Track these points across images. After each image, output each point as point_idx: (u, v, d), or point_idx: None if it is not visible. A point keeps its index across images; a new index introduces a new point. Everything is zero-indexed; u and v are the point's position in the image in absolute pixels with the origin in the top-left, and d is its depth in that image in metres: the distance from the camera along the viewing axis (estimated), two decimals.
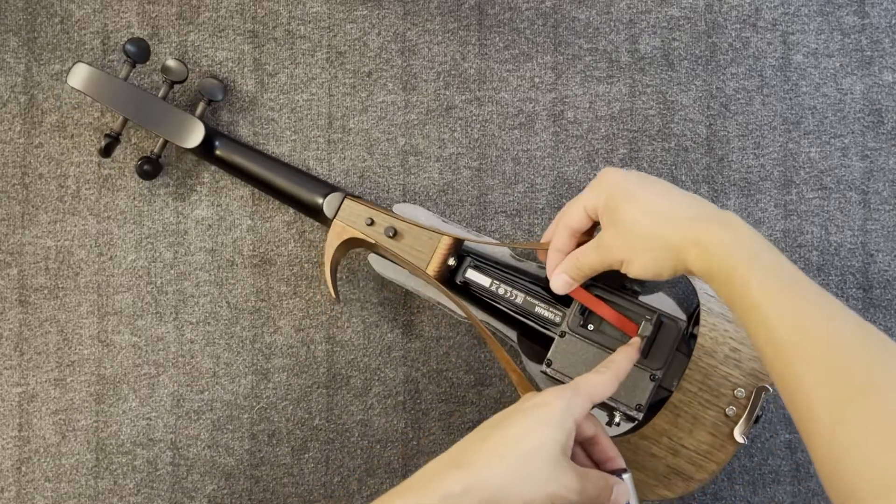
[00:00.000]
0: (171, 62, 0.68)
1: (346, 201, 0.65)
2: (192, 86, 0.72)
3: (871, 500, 0.39)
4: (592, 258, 0.54)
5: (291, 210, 0.71)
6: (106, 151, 0.68)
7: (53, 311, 0.71)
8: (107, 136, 0.68)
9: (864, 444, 0.40)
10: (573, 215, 0.55)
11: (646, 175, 0.54)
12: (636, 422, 0.58)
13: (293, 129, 0.72)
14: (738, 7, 0.72)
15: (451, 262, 0.63)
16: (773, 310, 0.45)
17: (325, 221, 0.66)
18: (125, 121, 0.68)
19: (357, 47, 0.72)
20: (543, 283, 0.62)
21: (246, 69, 0.72)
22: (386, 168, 0.71)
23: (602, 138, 0.71)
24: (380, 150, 0.71)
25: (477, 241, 0.64)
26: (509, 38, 0.72)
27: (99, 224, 0.71)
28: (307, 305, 0.71)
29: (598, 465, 0.53)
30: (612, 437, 0.58)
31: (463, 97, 0.72)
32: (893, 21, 0.72)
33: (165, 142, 0.68)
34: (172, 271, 0.71)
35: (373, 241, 0.64)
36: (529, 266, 0.65)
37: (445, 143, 0.71)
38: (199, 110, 0.68)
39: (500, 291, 0.63)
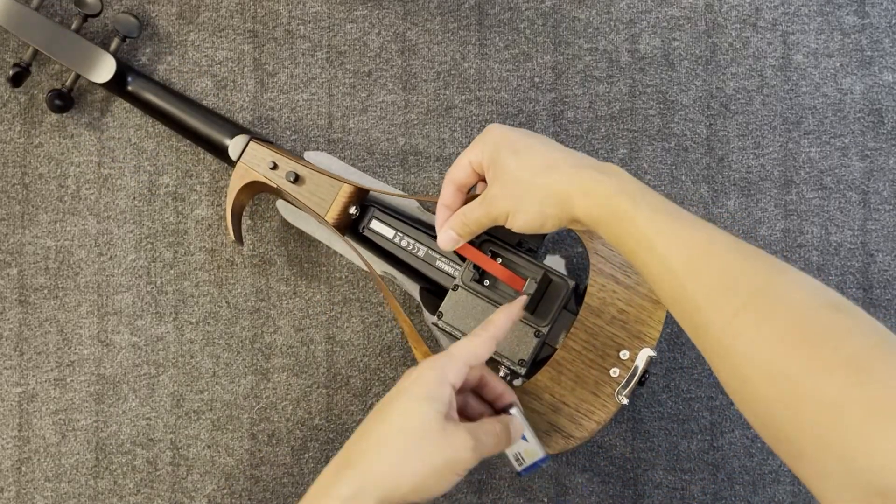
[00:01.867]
0: None
1: (252, 144, 0.65)
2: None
3: (768, 394, 0.41)
4: (478, 213, 0.54)
5: None
6: (15, 81, 0.68)
7: (53, 311, 0.71)
8: (15, 65, 0.68)
9: (756, 349, 0.41)
10: (459, 170, 0.55)
11: (530, 131, 0.55)
12: (519, 376, 0.59)
13: (293, 128, 0.72)
14: (738, 7, 0.72)
15: (353, 210, 0.63)
16: (663, 241, 0.47)
17: (232, 163, 0.66)
18: (35, 52, 0.68)
19: (357, 47, 0.72)
20: None
21: (246, 69, 0.72)
22: (386, 168, 0.71)
23: (602, 138, 0.71)
24: (380, 150, 0.71)
25: (379, 192, 0.64)
26: (509, 38, 0.72)
27: (99, 224, 0.71)
28: (307, 305, 0.71)
29: (490, 404, 0.55)
30: None
31: (463, 97, 0.72)
32: (893, 21, 0.72)
33: (77, 76, 0.68)
34: (172, 271, 0.71)
35: (275, 186, 0.64)
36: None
37: (445, 143, 0.71)
38: (113, 46, 0.68)
39: (403, 244, 0.63)
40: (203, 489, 0.70)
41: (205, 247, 0.71)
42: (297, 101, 0.72)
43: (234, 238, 0.65)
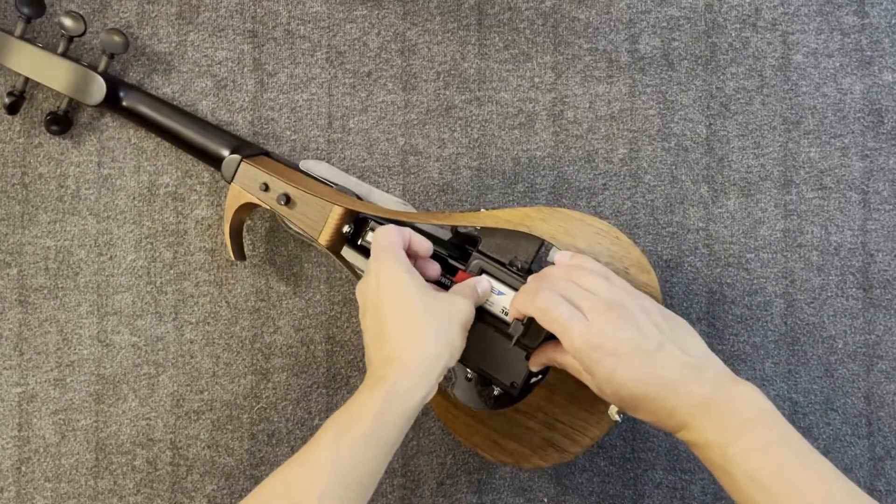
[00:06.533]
0: (64, 18, 0.66)
1: (243, 165, 0.65)
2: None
3: None
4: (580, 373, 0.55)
5: None
6: (11, 109, 0.68)
7: (53, 311, 0.71)
8: (9, 94, 0.68)
9: None
10: (555, 329, 0.53)
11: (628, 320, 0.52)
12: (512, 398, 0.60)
13: (293, 128, 0.72)
14: (738, 7, 0.72)
15: (347, 229, 0.63)
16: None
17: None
18: (27, 79, 0.68)
19: (357, 47, 0.72)
20: (444, 246, 0.63)
21: (246, 69, 0.72)
22: (386, 168, 0.71)
23: (602, 138, 0.71)
24: (380, 150, 0.71)
25: (372, 214, 0.63)
26: (509, 38, 0.72)
27: (99, 224, 0.71)
28: (307, 305, 0.71)
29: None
30: (491, 409, 0.61)
31: (463, 97, 0.72)
32: (893, 21, 0.72)
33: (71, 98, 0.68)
34: (172, 271, 0.71)
35: (267, 207, 0.64)
36: (433, 229, 0.65)
37: (445, 143, 0.71)
38: (102, 65, 0.68)
39: None
40: (203, 489, 0.70)
41: (205, 247, 0.71)
42: (297, 101, 0.72)
43: (233, 258, 0.66)
